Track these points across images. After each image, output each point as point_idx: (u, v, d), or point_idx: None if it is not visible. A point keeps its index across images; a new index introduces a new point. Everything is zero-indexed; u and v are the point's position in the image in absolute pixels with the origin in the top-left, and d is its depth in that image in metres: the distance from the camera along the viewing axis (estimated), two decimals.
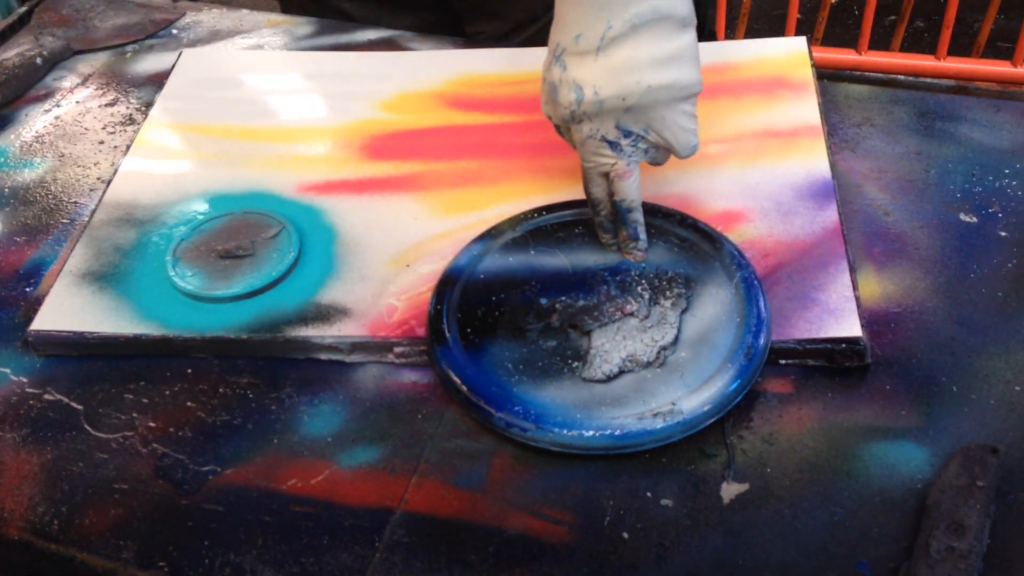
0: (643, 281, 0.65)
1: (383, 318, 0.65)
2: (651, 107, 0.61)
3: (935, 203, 0.72)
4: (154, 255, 0.71)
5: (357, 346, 0.64)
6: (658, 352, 0.60)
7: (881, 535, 0.52)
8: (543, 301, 0.64)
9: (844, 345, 0.60)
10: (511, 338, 0.62)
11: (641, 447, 0.56)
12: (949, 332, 0.63)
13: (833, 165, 0.73)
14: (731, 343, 0.60)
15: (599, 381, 0.59)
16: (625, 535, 0.53)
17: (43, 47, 0.96)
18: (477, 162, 0.78)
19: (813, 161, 0.74)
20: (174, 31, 1.00)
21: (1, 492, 0.58)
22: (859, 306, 0.62)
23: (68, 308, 0.67)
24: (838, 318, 0.61)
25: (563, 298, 0.64)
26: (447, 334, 0.62)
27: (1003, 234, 0.69)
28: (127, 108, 0.89)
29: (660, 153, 0.65)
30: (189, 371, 0.64)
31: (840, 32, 2.36)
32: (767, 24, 2.37)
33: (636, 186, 0.64)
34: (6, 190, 0.80)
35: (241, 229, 0.72)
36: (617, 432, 0.56)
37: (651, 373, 0.59)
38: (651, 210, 0.68)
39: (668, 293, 0.64)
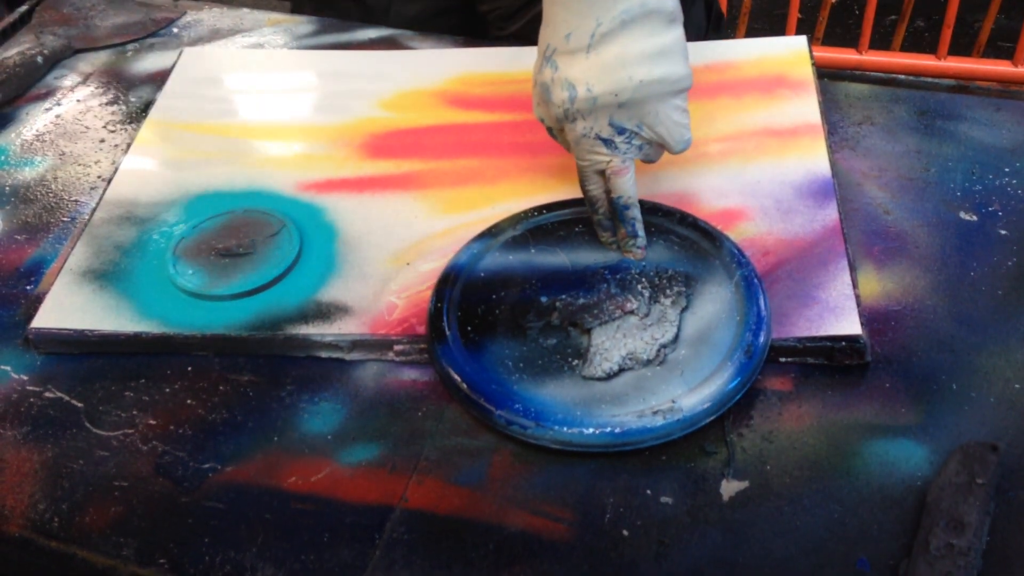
0: (643, 279, 0.65)
1: (383, 316, 0.65)
2: (643, 102, 0.61)
3: (935, 201, 0.72)
4: (155, 253, 0.71)
5: (357, 344, 0.64)
6: (658, 350, 0.60)
7: (881, 532, 0.52)
8: (543, 299, 0.64)
9: (844, 343, 0.60)
10: (511, 336, 0.62)
11: (641, 445, 0.57)
12: (949, 330, 0.63)
13: (833, 164, 0.74)
14: (731, 341, 0.60)
15: (599, 379, 0.59)
16: (625, 532, 0.53)
17: (44, 46, 0.96)
18: (477, 160, 0.78)
19: (813, 160, 0.74)
20: (175, 30, 1.00)
21: (2, 489, 0.58)
22: (859, 304, 0.62)
23: (69, 306, 0.67)
24: (838, 316, 0.61)
25: (563, 296, 0.64)
26: (447, 332, 0.62)
27: (1003, 232, 0.69)
28: (128, 106, 0.89)
29: (654, 149, 0.66)
30: (189, 369, 0.64)
31: (840, 32, 2.36)
32: (767, 23, 2.37)
33: (632, 183, 0.65)
34: (7, 188, 0.80)
35: (241, 227, 0.72)
36: (617, 430, 0.56)
37: (651, 371, 0.59)
38: (651, 208, 0.69)
39: (668, 291, 0.64)
